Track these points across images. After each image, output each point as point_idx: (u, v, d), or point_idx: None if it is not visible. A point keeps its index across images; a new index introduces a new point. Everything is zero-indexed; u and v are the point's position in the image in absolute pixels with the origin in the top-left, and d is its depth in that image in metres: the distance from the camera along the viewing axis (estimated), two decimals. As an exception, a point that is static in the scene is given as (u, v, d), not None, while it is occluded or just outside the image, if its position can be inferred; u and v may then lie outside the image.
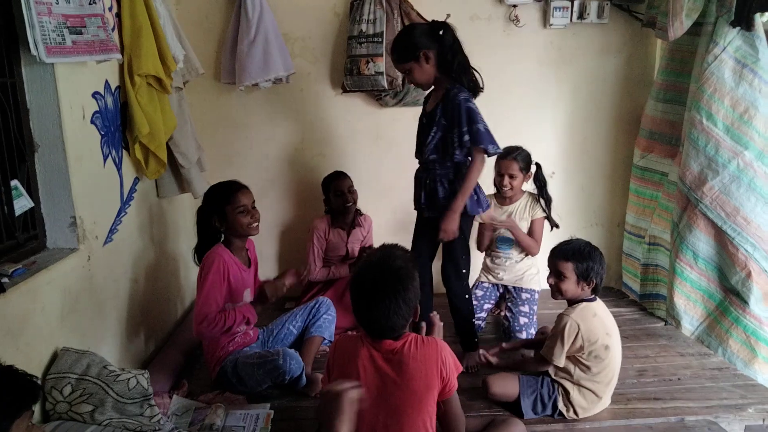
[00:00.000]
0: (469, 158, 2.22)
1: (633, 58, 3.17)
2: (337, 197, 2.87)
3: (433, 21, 2.25)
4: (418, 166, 2.38)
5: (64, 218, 1.85)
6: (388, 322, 1.46)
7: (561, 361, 2.02)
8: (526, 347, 2.37)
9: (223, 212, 2.14)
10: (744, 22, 2.45)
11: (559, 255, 2.04)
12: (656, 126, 2.96)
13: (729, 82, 2.50)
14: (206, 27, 2.96)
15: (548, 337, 2.09)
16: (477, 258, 3.01)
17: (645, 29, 3.05)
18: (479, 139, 2.15)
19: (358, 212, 2.99)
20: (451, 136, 2.18)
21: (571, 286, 2.01)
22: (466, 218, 2.27)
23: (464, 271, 2.35)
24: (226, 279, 2.11)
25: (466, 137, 2.15)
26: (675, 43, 2.76)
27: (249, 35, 2.78)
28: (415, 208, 2.42)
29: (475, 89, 2.26)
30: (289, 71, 2.91)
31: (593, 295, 2.04)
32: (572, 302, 2.05)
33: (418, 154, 2.36)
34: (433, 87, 2.29)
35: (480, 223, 2.80)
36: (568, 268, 2.00)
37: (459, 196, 2.19)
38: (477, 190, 2.28)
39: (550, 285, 2.07)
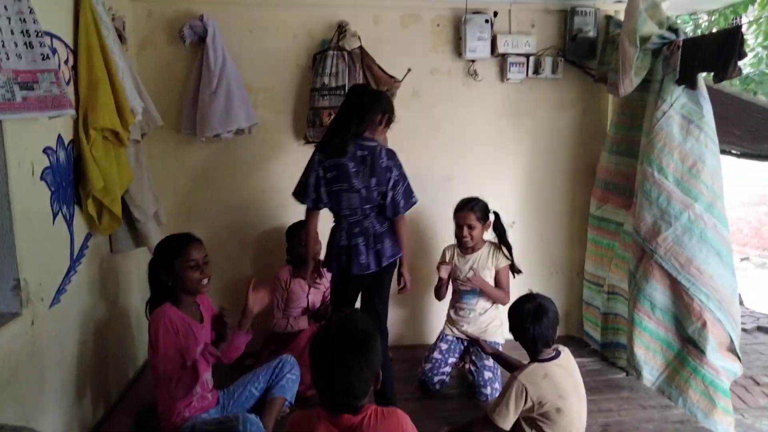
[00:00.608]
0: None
1: (587, 111, 3.28)
2: (300, 247, 2.84)
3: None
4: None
5: (6, 281, 1.74)
6: (351, 389, 1.40)
7: (507, 424, 1.98)
8: (496, 359, 2.51)
9: (172, 266, 2.06)
10: (688, 81, 2.57)
11: (514, 315, 2.07)
12: (611, 177, 3.03)
13: (677, 137, 2.59)
14: (168, 77, 2.93)
15: (497, 397, 2.07)
16: (441, 309, 3.00)
17: (597, 84, 3.16)
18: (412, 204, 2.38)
19: (321, 263, 2.94)
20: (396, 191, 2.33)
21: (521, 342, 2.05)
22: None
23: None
24: (176, 336, 2.02)
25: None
26: (625, 99, 2.86)
27: (211, 86, 2.76)
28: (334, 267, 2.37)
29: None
30: (251, 122, 2.89)
31: (543, 353, 2.02)
32: (531, 358, 2.05)
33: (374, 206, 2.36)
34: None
35: (440, 273, 2.80)
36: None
37: (404, 250, 2.39)
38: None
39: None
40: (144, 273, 2.24)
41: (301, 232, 2.84)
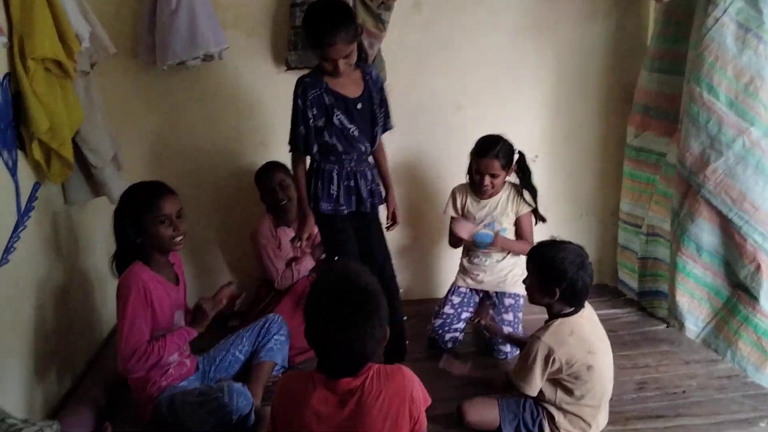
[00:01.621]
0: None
1: (623, 23, 3.18)
2: (268, 194, 2.88)
3: None
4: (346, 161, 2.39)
5: (-58, 239, 1.75)
6: (354, 352, 1.43)
7: (534, 390, 2.02)
8: (510, 342, 2.52)
9: (140, 222, 2.06)
10: (745, -22, 2.48)
11: (529, 254, 2.15)
12: (651, 100, 2.98)
13: (731, 49, 2.52)
14: (117, -4, 2.84)
15: (518, 359, 2.10)
16: (453, 258, 3.02)
17: (635, -12, 3.07)
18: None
19: None
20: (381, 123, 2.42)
21: (534, 291, 2.09)
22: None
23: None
24: (149, 303, 2.04)
25: (391, 121, 2.45)
26: (670, 5, 2.78)
27: (170, 4, 2.68)
28: (343, 211, 2.40)
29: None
30: (221, 46, 2.82)
31: (572, 308, 2.04)
32: (549, 314, 2.08)
33: (369, 143, 2.39)
34: (323, 70, 2.32)
35: (452, 217, 2.80)
36: (531, 270, 2.09)
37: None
38: None
39: (525, 287, 2.15)
40: (106, 226, 2.25)
41: (264, 177, 2.88)
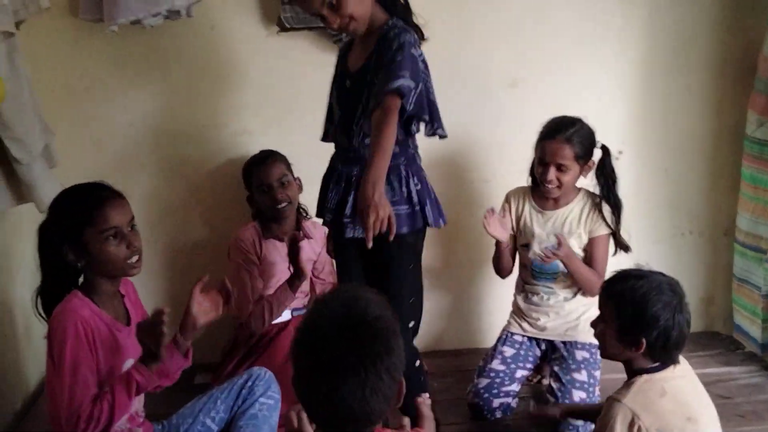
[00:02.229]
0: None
1: (742, -33, 3.19)
2: (262, 194, 2.89)
3: None
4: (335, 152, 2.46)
5: None
6: (363, 408, 1.40)
7: None
8: (581, 416, 2.45)
9: (81, 238, 2.06)
10: None
11: (604, 288, 2.12)
12: (782, 74, 2.96)
13: None
14: (53, -70, 2.88)
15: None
16: (504, 294, 3.01)
17: None
18: (419, 105, 2.20)
19: (302, 214, 3.02)
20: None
21: (611, 340, 2.06)
22: (418, 234, 2.33)
23: (412, 323, 2.38)
24: (93, 349, 2.05)
25: (401, 82, 2.14)
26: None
27: (123, -60, 2.72)
28: (325, 223, 2.45)
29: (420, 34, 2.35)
30: (192, -1, 2.86)
31: (658, 363, 2.03)
32: (630, 371, 2.07)
33: (342, 135, 2.39)
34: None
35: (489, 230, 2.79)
36: (608, 312, 2.07)
37: (376, 156, 2.12)
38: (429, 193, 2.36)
39: (595, 334, 2.14)
40: (30, 247, 2.25)
41: (259, 171, 2.90)
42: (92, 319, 2.06)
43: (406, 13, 2.33)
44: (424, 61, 2.25)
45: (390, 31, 2.22)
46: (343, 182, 2.37)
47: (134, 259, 2.10)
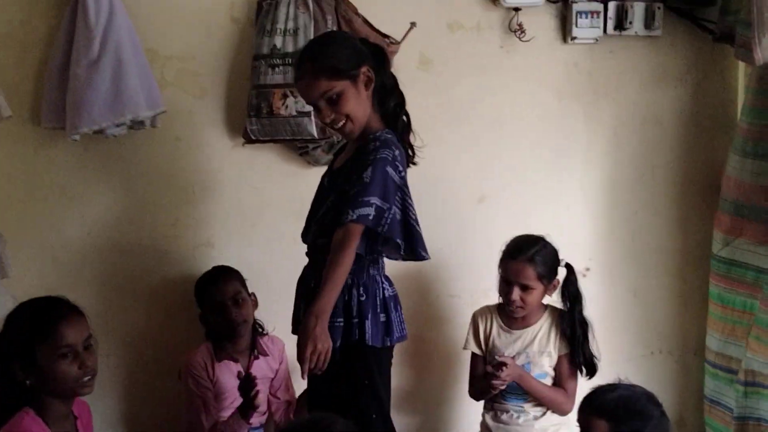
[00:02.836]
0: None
1: (703, 88, 3.30)
2: (216, 312, 2.84)
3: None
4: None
5: None
6: None
7: None
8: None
9: (32, 355, 1.99)
10: None
11: (590, 406, 2.06)
12: (744, 194, 3.01)
13: None
14: (19, 40, 2.91)
15: None
16: (475, 412, 2.94)
17: (719, 45, 3.18)
18: (389, 227, 2.18)
19: (259, 331, 2.97)
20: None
21: None
22: (380, 356, 2.27)
23: None
24: None
25: (365, 210, 2.14)
26: (767, 68, 2.86)
27: (90, 52, 2.74)
28: (293, 332, 2.41)
29: (409, 153, 2.39)
30: (157, 109, 2.86)
31: None
32: None
33: (305, 234, 2.40)
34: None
35: (473, 354, 2.78)
36: (601, 430, 2.00)
37: (324, 290, 2.14)
38: (391, 306, 2.31)
39: None
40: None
41: (212, 289, 2.86)
42: None
43: (404, 130, 2.36)
44: (403, 179, 2.25)
45: (371, 143, 2.23)
46: (301, 289, 2.41)
47: (86, 378, 2.05)
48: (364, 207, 2.13)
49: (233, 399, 2.81)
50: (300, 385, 2.72)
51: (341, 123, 2.26)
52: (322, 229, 2.28)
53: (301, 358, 2.13)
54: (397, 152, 2.23)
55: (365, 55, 2.28)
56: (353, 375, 2.28)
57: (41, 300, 2.11)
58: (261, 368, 2.88)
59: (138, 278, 3.08)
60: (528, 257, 2.64)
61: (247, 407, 2.60)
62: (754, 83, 2.99)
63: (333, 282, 2.15)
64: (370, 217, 2.14)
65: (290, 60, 2.85)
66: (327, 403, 2.24)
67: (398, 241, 2.20)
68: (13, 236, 2.78)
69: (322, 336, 2.11)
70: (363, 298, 2.25)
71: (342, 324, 2.22)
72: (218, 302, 2.82)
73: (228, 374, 2.84)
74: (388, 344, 2.29)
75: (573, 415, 2.44)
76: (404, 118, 2.38)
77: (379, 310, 2.29)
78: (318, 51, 2.28)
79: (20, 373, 2.00)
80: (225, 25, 3.02)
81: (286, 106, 2.85)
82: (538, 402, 2.73)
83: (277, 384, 2.96)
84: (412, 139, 2.41)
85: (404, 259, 2.30)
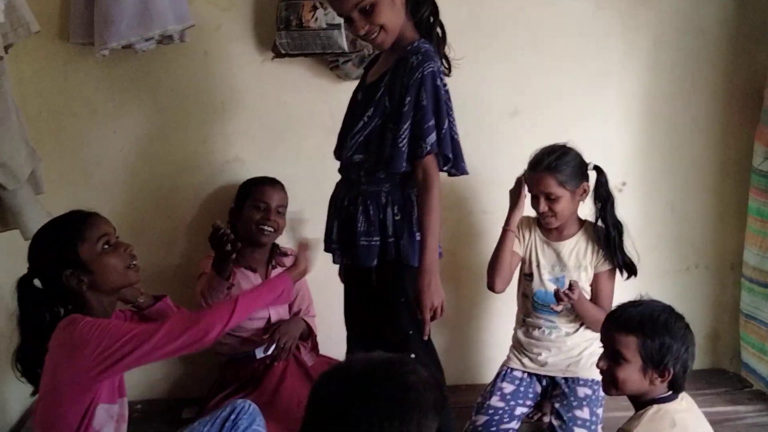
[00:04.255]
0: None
1: (746, -3, 3.23)
2: (256, 210, 2.91)
3: None
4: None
5: None
6: None
7: None
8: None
9: (78, 258, 2.07)
10: None
11: (616, 323, 2.09)
12: (788, 106, 2.99)
13: None
14: (46, -45, 2.92)
15: None
16: (503, 328, 3.00)
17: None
18: (445, 143, 2.19)
19: (278, 248, 3.03)
20: (396, 131, 2.19)
21: (632, 374, 2.03)
22: (412, 273, 2.25)
23: (412, 355, 2.31)
24: None
25: (432, 137, 2.16)
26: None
27: (116, -34, 2.75)
28: (325, 250, 2.44)
29: (445, 65, 2.35)
30: (185, 23, 2.88)
31: (671, 392, 2.05)
32: (638, 402, 2.08)
33: (337, 147, 2.41)
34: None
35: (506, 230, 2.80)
36: (630, 346, 2.03)
37: (426, 243, 2.19)
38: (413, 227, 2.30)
39: (601, 371, 2.11)
40: (12, 277, 2.26)
41: (261, 190, 2.91)
42: None
43: (439, 42, 2.33)
44: (447, 92, 2.24)
45: (411, 56, 2.20)
46: (333, 208, 2.41)
47: (133, 263, 2.17)
48: (431, 134, 2.16)
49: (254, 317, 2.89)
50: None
51: (374, 34, 2.23)
52: (358, 145, 2.29)
53: (423, 319, 2.20)
54: (438, 63, 2.23)
55: None
56: (390, 293, 2.32)
57: (58, 217, 2.17)
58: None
59: (168, 193, 3.16)
60: (546, 166, 2.66)
61: (221, 260, 2.61)
62: (801, -11, 2.94)
63: (430, 230, 2.20)
64: (437, 142, 2.17)
65: (319, -30, 2.86)
66: (364, 321, 2.31)
67: (449, 155, 2.21)
68: (45, 153, 2.83)
69: (437, 292, 2.19)
70: (398, 218, 2.26)
71: (378, 243, 2.26)
72: (264, 202, 2.89)
73: (245, 282, 2.91)
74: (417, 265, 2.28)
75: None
76: (439, 29, 2.34)
77: (414, 229, 2.29)
78: None
79: (74, 279, 2.08)
80: (251, -67, 3.01)
81: (316, 19, 2.85)
82: (570, 318, 2.77)
83: (303, 305, 3.08)
84: (447, 51, 2.38)
85: (449, 175, 2.29)
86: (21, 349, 2.15)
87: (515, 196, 2.77)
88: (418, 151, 2.16)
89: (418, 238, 2.27)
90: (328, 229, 2.41)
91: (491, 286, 2.83)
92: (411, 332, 2.29)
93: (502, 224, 2.85)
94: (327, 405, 1.41)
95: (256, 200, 2.91)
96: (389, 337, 2.31)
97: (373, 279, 2.26)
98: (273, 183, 2.96)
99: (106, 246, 2.11)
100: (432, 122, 2.16)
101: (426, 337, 2.24)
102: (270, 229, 2.91)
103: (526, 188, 2.75)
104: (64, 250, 2.08)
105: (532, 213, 2.80)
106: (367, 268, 2.27)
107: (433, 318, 2.22)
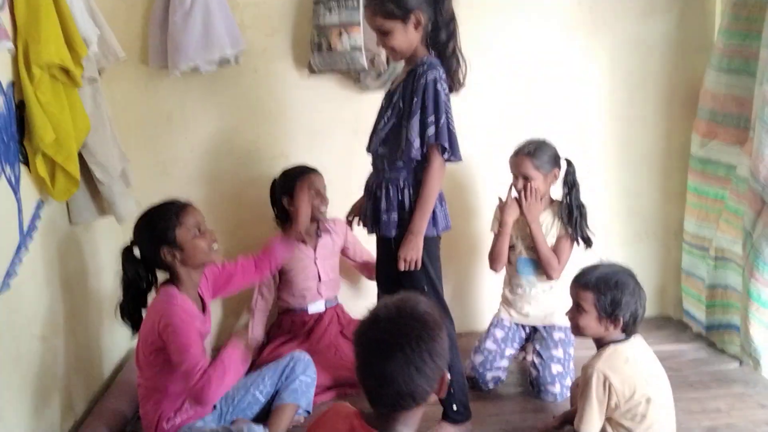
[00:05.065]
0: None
1: (686, 17, 3.21)
2: (302, 201, 2.76)
3: None
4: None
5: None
6: (408, 386, 1.42)
7: (597, 429, 2.04)
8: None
9: (174, 239, 2.15)
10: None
11: (578, 282, 2.14)
12: (719, 104, 2.98)
13: (811, 48, 2.52)
14: (127, -2, 2.95)
15: (577, 403, 2.12)
16: (494, 286, 3.04)
17: (700, -21, 3.08)
18: (442, 135, 2.20)
19: (322, 215, 3.00)
20: (407, 126, 2.21)
21: (590, 322, 2.10)
22: (428, 243, 2.28)
23: None
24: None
25: (431, 130, 2.18)
26: (740, -4, 2.79)
27: (184, 4, 2.78)
28: (362, 224, 2.47)
29: (455, 80, 2.34)
30: (238, 48, 2.91)
31: (624, 335, 2.10)
32: (599, 344, 2.13)
33: (369, 145, 2.40)
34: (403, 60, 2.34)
35: (498, 227, 2.81)
36: (588, 300, 2.09)
37: (417, 212, 2.23)
38: (437, 203, 2.30)
39: (569, 319, 2.18)
40: (113, 251, 2.30)
41: (308, 178, 2.80)
42: (184, 306, 2.17)
43: (450, 61, 2.30)
44: (447, 94, 2.24)
45: (419, 67, 2.22)
46: (366, 191, 2.42)
47: (215, 246, 2.25)
48: (430, 127, 2.18)
49: (300, 270, 2.96)
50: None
51: (389, 52, 2.30)
52: (381, 141, 2.31)
53: (399, 260, 2.23)
54: (441, 71, 2.23)
55: (418, 2, 2.19)
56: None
57: (159, 204, 2.23)
58: (326, 245, 3.01)
59: (230, 183, 3.20)
60: (526, 152, 2.70)
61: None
62: (728, 9, 2.91)
63: (424, 203, 2.22)
64: (435, 135, 2.18)
65: (344, 3, 2.87)
66: (389, 280, 2.34)
67: (446, 145, 2.20)
68: (132, 155, 2.89)
69: (414, 249, 2.21)
70: (414, 198, 2.26)
71: (396, 218, 2.28)
72: (315, 188, 2.85)
73: (301, 255, 2.95)
74: (435, 234, 2.31)
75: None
76: (457, 56, 2.31)
77: (437, 205, 2.31)
78: None
79: (169, 255, 2.16)
80: (290, -24, 3.03)
81: (342, 43, 2.87)
82: (544, 279, 2.78)
83: (356, 252, 3.13)
84: (462, 70, 2.34)
85: (447, 161, 2.27)
86: (123, 304, 2.23)
87: (503, 207, 2.78)
88: (423, 141, 2.19)
89: (441, 210, 2.34)
90: (365, 208, 2.42)
91: (493, 269, 2.88)
92: (425, 287, 2.31)
93: (492, 203, 2.89)
94: (372, 345, 1.46)
95: (309, 187, 2.76)
96: (408, 290, 2.34)
97: (393, 247, 2.28)
98: (314, 170, 2.90)
99: (197, 231, 2.18)
100: (432, 118, 2.18)
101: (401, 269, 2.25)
102: (324, 208, 2.90)
103: (509, 195, 2.77)
104: (165, 231, 2.15)
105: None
106: (389, 238, 2.30)
107: (409, 268, 2.24)
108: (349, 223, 2.58)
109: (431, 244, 2.32)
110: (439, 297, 2.37)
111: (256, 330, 2.95)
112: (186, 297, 2.19)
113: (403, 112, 2.24)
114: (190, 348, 2.07)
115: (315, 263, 2.98)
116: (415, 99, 2.19)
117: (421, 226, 2.23)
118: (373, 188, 2.35)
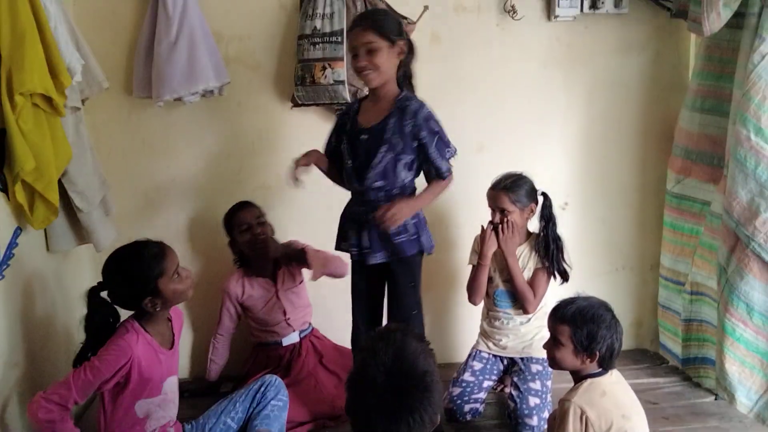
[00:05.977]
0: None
1: (661, 56, 3.26)
2: (243, 233, 2.85)
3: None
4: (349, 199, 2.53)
5: None
6: None
7: None
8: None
9: (157, 289, 2.09)
10: (796, 12, 2.53)
11: (555, 315, 2.13)
12: (693, 142, 3.02)
13: (781, 88, 2.56)
14: (113, 26, 2.94)
15: None
16: (473, 318, 3.02)
17: (675, 20, 3.13)
18: (453, 152, 2.44)
19: (282, 259, 2.95)
20: (426, 154, 2.36)
21: (567, 355, 2.08)
22: (417, 263, 2.42)
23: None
24: (138, 374, 2.08)
25: (450, 152, 2.42)
26: (712, 39, 2.83)
27: (169, 35, 2.78)
28: (352, 254, 2.49)
29: None
30: (223, 81, 2.91)
31: (601, 369, 2.08)
32: (576, 377, 2.12)
33: (355, 179, 2.43)
34: (367, 94, 2.45)
35: (473, 267, 2.81)
36: (564, 333, 2.08)
37: (421, 200, 2.41)
38: (424, 227, 2.47)
39: (546, 351, 2.17)
40: (91, 279, 2.26)
41: (238, 215, 2.85)
42: (143, 348, 2.11)
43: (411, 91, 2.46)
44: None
45: (406, 103, 2.34)
46: (356, 222, 2.44)
47: (190, 288, 2.21)
48: (448, 149, 2.41)
49: (263, 306, 2.90)
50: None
51: (369, 71, 2.31)
52: (379, 174, 2.36)
53: (380, 212, 2.28)
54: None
55: (406, 34, 2.37)
56: (401, 279, 2.44)
57: (140, 249, 2.14)
58: (285, 273, 2.93)
59: (211, 213, 3.13)
60: (503, 187, 2.71)
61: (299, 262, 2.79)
62: (702, 51, 2.97)
63: (424, 202, 2.42)
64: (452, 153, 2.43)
65: (328, 39, 2.88)
66: (372, 307, 2.50)
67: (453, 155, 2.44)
68: (115, 182, 2.86)
69: (399, 215, 2.28)
70: (415, 220, 2.41)
71: (407, 238, 2.38)
72: (245, 224, 2.83)
73: (263, 290, 2.91)
74: (432, 251, 2.48)
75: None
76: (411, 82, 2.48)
77: (425, 227, 2.47)
78: (376, 14, 2.52)
79: (151, 305, 2.11)
80: (275, 11, 3.04)
81: (325, 76, 2.88)
82: (522, 312, 2.78)
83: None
84: None
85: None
86: (85, 349, 2.16)
87: (483, 239, 2.77)
88: (443, 172, 2.40)
89: (429, 233, 2.48)
90: (355, 240, 2.44)
91: (472, 302, 2.86)
92: (414, 312, 2.42)
93: (470, 236, 2.89)
94: (374, 411, 1.48)
95: (239, 224, 2.84)
96: (397, 315, 2.43)
97: (392, 268, 2.38)
98: (243, 206, 2.89)
99: (176, 276, 2.13)
100: (447, 140, 2.40)
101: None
102: (263, 234, 2.85)
103: (489, 229, 2.76)
104: (146, 282, 2.09)
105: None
106: (379, 264, 2.39)
107: (383, 218, 2.27)
108: (296, 163, 2.52)
109: (419, 265, 2.44)
110: (422, 321, 2.48)
111: (213, 372, 2.98)
112: (148, 335, 2.14)
113: (404, 147, 2.33)
114: (77, 383, 2.00)
115: (277, 296, 2.91)
116: (423, 132, 2.32)
117: (422, 203, 2.41)
118: (368, 219, 2.37)
